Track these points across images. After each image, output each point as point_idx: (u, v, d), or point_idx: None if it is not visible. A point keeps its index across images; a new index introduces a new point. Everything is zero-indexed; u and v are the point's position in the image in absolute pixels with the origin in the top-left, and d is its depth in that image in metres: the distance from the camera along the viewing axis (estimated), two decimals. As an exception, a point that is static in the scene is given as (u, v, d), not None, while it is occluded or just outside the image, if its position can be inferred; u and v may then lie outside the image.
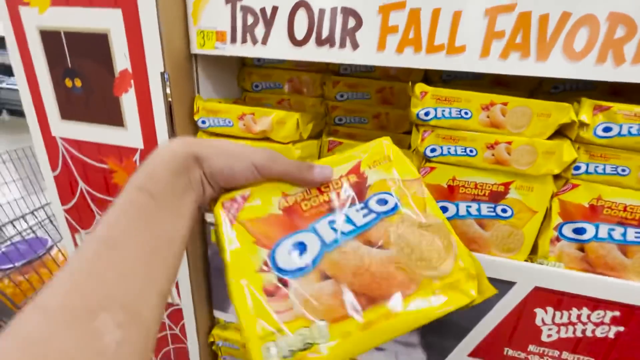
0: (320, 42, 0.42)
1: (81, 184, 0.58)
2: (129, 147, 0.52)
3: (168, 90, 0.47)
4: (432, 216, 0.31)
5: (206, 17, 0.46)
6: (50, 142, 0.57)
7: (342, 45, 0.41)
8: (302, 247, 0.29)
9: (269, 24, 0.43)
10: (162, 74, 0.46)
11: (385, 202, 0.31)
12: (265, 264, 0.28)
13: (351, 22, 0.40)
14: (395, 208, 0.31)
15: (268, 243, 0.29)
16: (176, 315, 0.65)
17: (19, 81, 0.53)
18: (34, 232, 1.03)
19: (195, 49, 0.48)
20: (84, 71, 0.50)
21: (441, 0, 0.36)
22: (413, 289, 0.28)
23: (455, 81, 0.57)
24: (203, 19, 0.46)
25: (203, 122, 0.51)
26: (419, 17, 0.37)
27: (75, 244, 0.66)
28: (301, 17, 0.41)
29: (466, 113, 0.40)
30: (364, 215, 0.30)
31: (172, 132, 0.50)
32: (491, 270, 0.36)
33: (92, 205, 0.60)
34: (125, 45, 0.46)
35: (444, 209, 0.46)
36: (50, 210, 1.11)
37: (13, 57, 0.52)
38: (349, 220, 0.30)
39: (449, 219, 0.40)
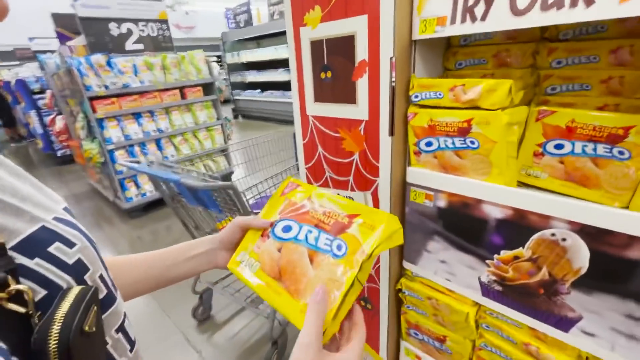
0: (545, 7, 0.44)
1: (320, 149, 0.82)
2: (357, 120, 0.70)
3: (394, 73, 0.60)
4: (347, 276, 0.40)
5: (428, 7, 0.56)
6: (304, 119, 0.82)
7: (573, 4, 0.42)
8: (288, 228, 0.47)
9: (489, 2, 0.49)
10: (391, 59, 0.59)
11: (340, 249, 0.42)
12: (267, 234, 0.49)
13: (587, -21, 0.40)
14: (338, 257, 0.42)
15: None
16: (374, 258, 0.80)
17: (292, 78, 0.81)
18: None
19: (417, 35, 0.59)
20: (334, 65, 0.70)
21: None
22: (300, 296, 0.42)
23: None
24: (425, 10, 0.56)
25: (415, 96, 0.62)
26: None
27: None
28: (526, -13, 0.45)
29: None
30: (325, 244, 0.44)
31: (392, 106, 0.63)
32: None
33: (324, 165, 0.83)
34: (365, 41, 0.62)
35: (560, 146, 0.54)
36: (279, 178, 1.56)
37: (291, 62, 0.79)
38: (316, 238, 0.45)
39: (564, 155, 0.54)
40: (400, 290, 0.81)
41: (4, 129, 6.94)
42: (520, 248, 0.57)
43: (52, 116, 4.25)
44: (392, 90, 0.62)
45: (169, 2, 14.09)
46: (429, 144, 0.64)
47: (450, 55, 0.70)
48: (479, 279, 0.65)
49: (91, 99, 2.57)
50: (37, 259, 0.27)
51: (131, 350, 0.36)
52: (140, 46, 3.10)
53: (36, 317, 0.25)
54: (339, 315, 0.39)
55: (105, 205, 3.30)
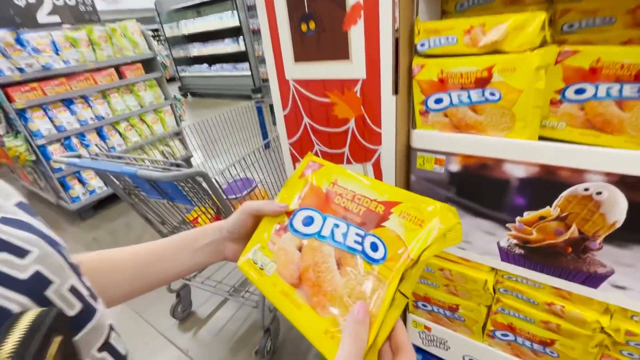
0: None
1: (305, 119, 0.70)
2: (351, 80, 0.59)
3: (397, 12, 0.49)
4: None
5: None
6: (283, 85, 0.69)
7: None
8: (309, 220, 0.38)
9: None
10: (394, 1, 0.48)
11: (376, 249, 0.32)
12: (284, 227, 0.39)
13: None
14: (374, 262, 0.32)
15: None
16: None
17: (264, 37, 0.66)
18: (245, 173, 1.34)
19: (422, -33, 0.48)
20: (318, 13, 0.57)
21: None
22: (325, 311, 0.32)
23: None
24: None
25: (422, 44, 0.53)
26: None
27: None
28: None
29: None
30: (354, 241, 0.34)
31: (396, 58, 0.53)
32: None
33: (312, 137, 0.71)
34: (359, -23, 0.50)
35: (581, 91, 0.49)
36: (251, 159, 1.41)
37: (261, 16, 0.64)
38: (344, 234, 0.35)
39: (586, 100, 0.48)
40: (407, 264, 0.75)
41: None
42: (547, 207, 0.53)
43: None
44: (396, 37, 0.51)
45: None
46: (438, 100, 0.55)
47: (450, -6, 0.61)
48: (498, 244, 0.60)
49: (3, 85, 2.14)
50: None
51: None
52: (57, 18, 2.61)
53: None
54: (379, 338, 0.30)
55: (48, 209, 2.90)
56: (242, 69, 5.79)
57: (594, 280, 0.53)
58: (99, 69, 2.65)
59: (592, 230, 0.50)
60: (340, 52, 0.58)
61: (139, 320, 1.65)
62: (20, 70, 2.21)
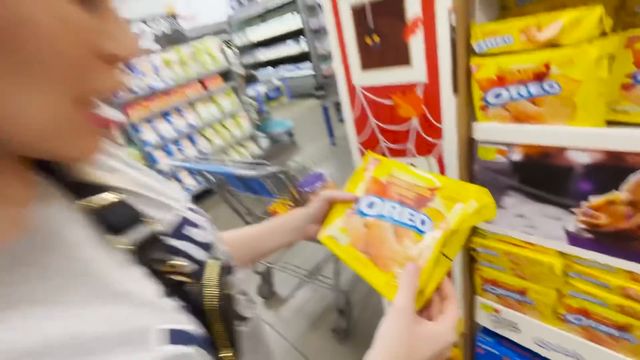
0: None
1: (372, 120, 0.80)
2: (412, 83, 0.67)
3: (454, 20, 0.55)
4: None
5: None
6: (351, 91, 0.80)
7: None
8: (372, 204, 0.48)
9: None
10: (450, 10, 0.55)
11: (424, 224, 0.42)
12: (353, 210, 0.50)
13: None
14: (422, 232, 0.41)
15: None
16: (443, 221, 0.79)
17: (334, 51, 0.77)
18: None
19: (475, -23, 0.54)
20: (381, 28, 0.66)
21: None
22: (387, 269, 0.42)
23: None
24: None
25: (479, 46, 0.58)
26: None
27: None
28: None
29: None
30: (408, 219, 0.43)
31: (455, 61, 0.59)
32: None
33: (379, 135, 0.80)
34: (417, -5, 0.57)
35: None
36: (321, 156, 1.55)
37: (331, 33, 0.75)
38: (400, 214, 0.44)
39: None
40: (472, 249, 0.80)
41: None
42: (615, 192, 0.54)
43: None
44: (453, 43, 0.58)
45: (167, -7, 13.88)
46: (497, 95, 0.60)
47: (509, -10, 0.63)
48: (565, 228, 0.62)
49: (124, 105, 2.66)
50: (183, 242, 0.34)
51: (252, 308, 0.43)
52: (154, 44, 3.12)
53: (192, 285, 0.31)
54: (428, 289, 0.40)
55: (154, 204, 3.50)
56: (305, 69, 6.04)
57: (672, 263, 0.53)
58: (188, 84, 3.09)
59: (667, 213, 0.50)
60: (402, 59, 0.66)
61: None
62: (135, 92, 2.71)
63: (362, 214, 0.48)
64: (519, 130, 0.60)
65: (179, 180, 3.14)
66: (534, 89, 0.55)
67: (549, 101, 0.55)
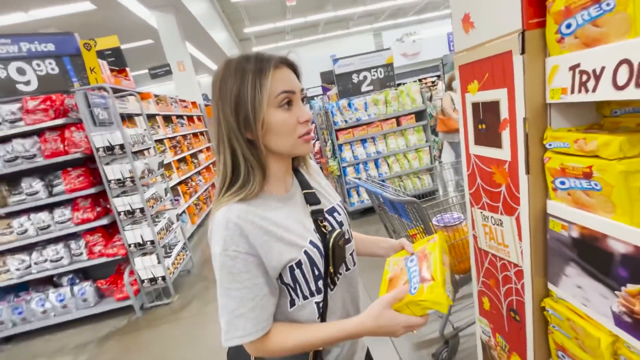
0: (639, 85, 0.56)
1: (478, 179, 1.06)
2: (503, 160, 0.92)
3: (526, 127, 0.80)
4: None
5: (555, 81, 0.74)
6: (468, 156, 1.10)
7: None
8: (412, 260, 0.82)
9: (597, 78, 0.64)
10: (524, 119, 0.80)
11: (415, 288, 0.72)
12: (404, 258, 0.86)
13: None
14: (410, 291, 0.72)
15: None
16: (519, 274, 0.95)
17: (460, 129, 1.10)
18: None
19: (549, 100, 0.77)
20: (486, 120, 0.96)
21: None
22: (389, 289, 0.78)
23: None
24: (553, 82, 0.74)
25: (549, 144, 0.79)
26: None
27: (472, 215, 1.16)
28: (623, 70, 0.59)
29: None
30: (414, 278, 0.75)
31: (527, 152, 0.82)
32: None
33: (481, 191, 1.06)
34: (506, 105, 0.85)
35: None
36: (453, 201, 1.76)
37: (460, 118, 1.09)
38: (413, 271, 0.77)
39: None
40: (544, 308, 0.91)
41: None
42: (646, 284, 0.63)
43: (313, 142, 6.12)
44: (526, 139, 0.82)
45: (398, 35, 15.94)
46: (562, 182, 0.78)
47: (605, 104, 0.78)
48: (611, 308, 0.71)
49: (336, 130, 3.67)
50: (330, 217, 0.81)
51: (354, 265, 0.86)
52: (371, 87, 4.02)
53: (329, 235, 0.76)
54: (439, 279, 0.72)
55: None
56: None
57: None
58: (386, 119, 3.80)
59: (686, 316, 0.56)
60: (497, 143, 0.93)
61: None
62: (346, 121, 3.68)
63: (405, 262, 0.85)
64: (573, 213, 0.76)
65: (359, 193, 3.90)
66: (584, 183, 0.72)
67: (597, 195, 0.70)
